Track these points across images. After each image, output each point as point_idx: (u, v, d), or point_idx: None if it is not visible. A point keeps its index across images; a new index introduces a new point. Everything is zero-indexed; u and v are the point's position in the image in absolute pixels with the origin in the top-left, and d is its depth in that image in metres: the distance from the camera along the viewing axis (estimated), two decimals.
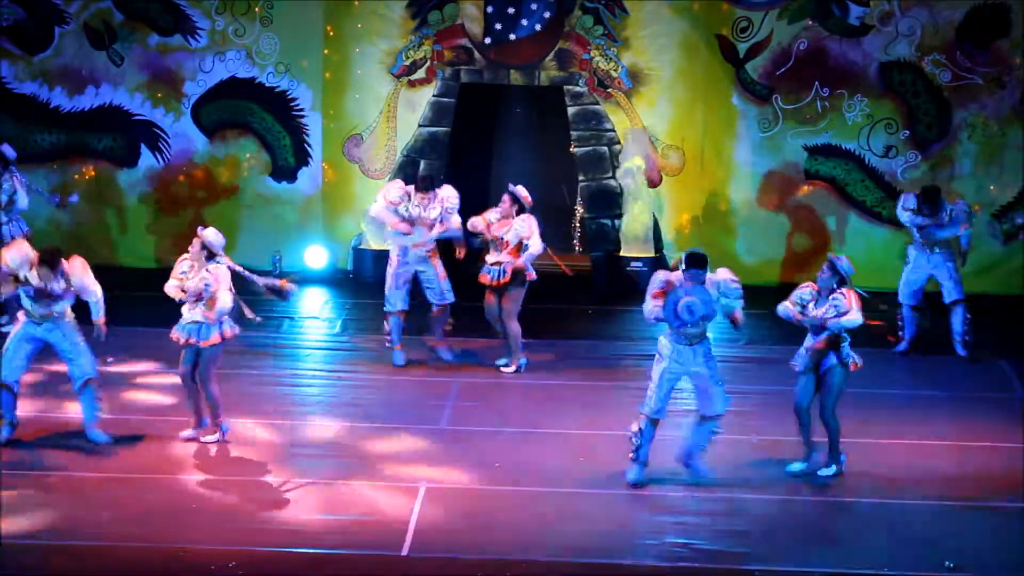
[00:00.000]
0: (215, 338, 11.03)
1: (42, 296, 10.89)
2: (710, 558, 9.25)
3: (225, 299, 10.96)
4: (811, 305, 10.61)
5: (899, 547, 9.47)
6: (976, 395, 12.67)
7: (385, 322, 13.33)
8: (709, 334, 10.49)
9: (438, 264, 13.28)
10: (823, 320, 10.47)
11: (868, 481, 10.57)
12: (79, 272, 11.01)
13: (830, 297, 10.54)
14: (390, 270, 13.35)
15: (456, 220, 13.22)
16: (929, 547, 9.47)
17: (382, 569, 9.04)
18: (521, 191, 13.07)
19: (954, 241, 13.82)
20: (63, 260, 10.97)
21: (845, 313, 10.43)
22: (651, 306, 10.33)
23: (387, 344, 13.32)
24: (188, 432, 11.21)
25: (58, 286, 10.90)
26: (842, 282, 10.59)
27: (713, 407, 10.49)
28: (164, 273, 11.29)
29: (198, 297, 10.97)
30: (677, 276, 10.34)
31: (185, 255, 11.16)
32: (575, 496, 10.22)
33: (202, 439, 11.16)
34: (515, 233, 12.91)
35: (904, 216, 13.79)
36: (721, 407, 10.50)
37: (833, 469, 10.63)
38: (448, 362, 13.31)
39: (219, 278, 10.97)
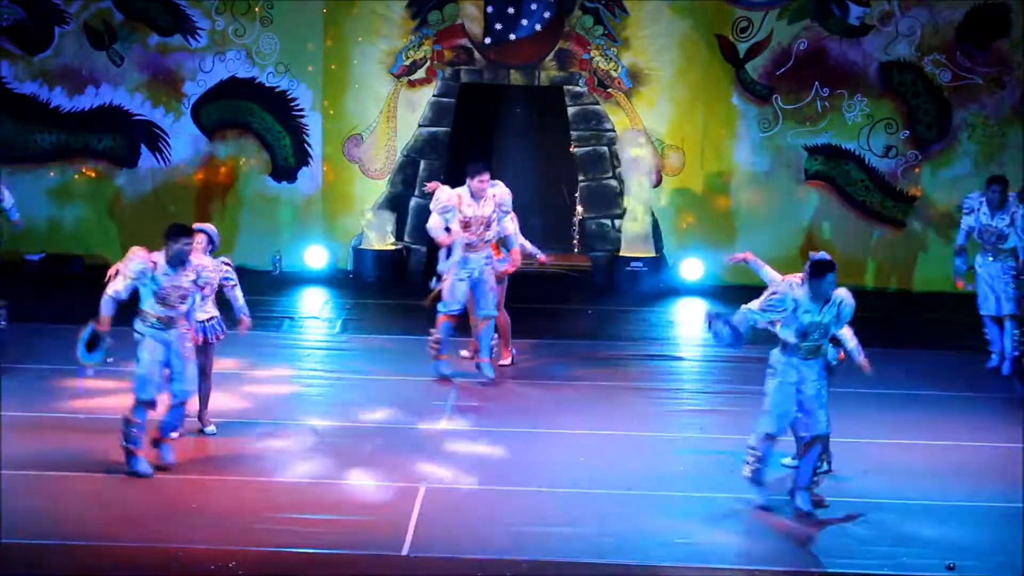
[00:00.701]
0: (222, 333, 11.14)
1: (169, 296, 10.21)
2: (710, 558, 9.25)
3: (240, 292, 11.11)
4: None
5: (899, 547, 9.47)
6: (976, 395, 12.66)
7: (434, 327, 12.65)
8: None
9: (491, 275, 12.55)
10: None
11: (868, 481, 10.56)
12: (211, 268, 10.47)
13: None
14: (447, 279, 12.51)
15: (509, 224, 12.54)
16: (929, 547, 9.47)
17: (382, 569, 9.04)
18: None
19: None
20: (192, 248, 10.25)
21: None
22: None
23: (433, 350, 12.65)
24: (212, 428, 11.22)
25: (186, 280, 10.26)
26: None
27: (815, 426, 9.85)
28: None
29: (209, 290, 11.00)
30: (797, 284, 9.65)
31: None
32: (575, 496, 10.21)
33: (208, 432, 11.23)
34: (495, 231, 12.86)
35: (964, 221, 13.11)
36: (824, 427, 9.87)
37: (825, 466, 10.63)
38: (489, 379, 12.65)
39: (234, 271, 11.09)
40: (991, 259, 13.00)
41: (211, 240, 11.07)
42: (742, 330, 9.73)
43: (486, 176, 12.31)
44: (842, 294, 9.63)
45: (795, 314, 9.55)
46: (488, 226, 12.39)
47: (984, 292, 13.10)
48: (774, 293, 9.61)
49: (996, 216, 12.94)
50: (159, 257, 10.20)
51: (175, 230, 10.21)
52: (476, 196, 12.30)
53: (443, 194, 12.40)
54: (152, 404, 10.36)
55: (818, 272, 9.49)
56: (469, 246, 12.38)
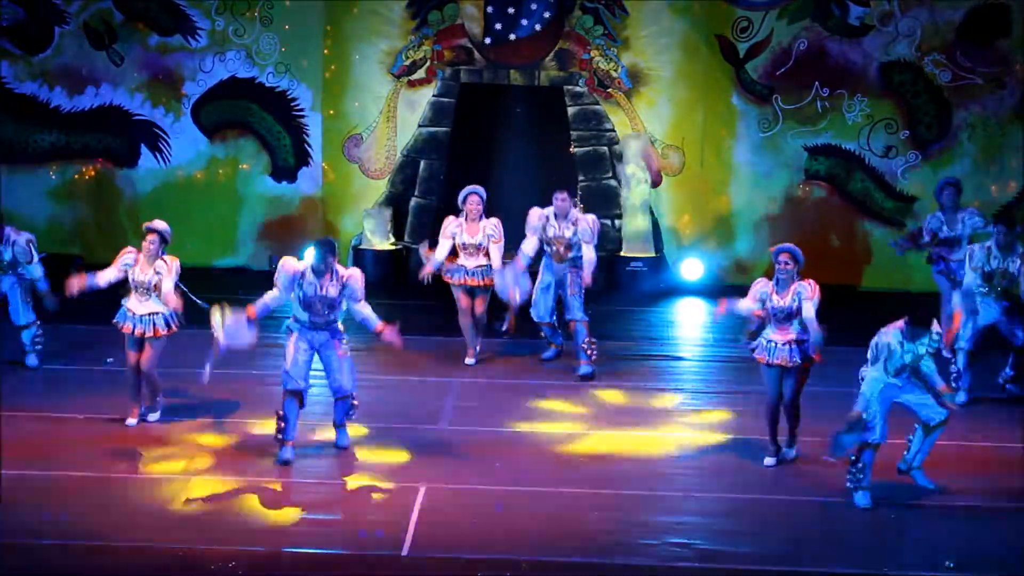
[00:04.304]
0: (165, 330, 11.36)
1: (317, 305, 10.70)
2: (710, 558, 9.24)
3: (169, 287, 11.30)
4: (774, 296, 10.68)
5: (899, 547, 9.47)
6: (975, 395, 12.64)
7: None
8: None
9: (575, 282, 13.01)
10: (792, 310, 10.62)
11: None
12: (358, 284, 10.76)
13: (792, 287, 10.65)
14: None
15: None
16: (929, 547, 9.47)
17: (382, 569, 9.04)
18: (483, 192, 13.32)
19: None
20: (337, 262, 10.74)
21: (810, 299, 10.62)
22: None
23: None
24: (134, 420, 11.41)
25: (333, 291, 10.69)
26: (800, 270, 10.74)
27: (934, 415, 10.23)
28: None
29: (149, 288, 11.29)
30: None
31: (128, 249, 11.45)
32: (575, 496, 10.21)
33: (150, 419, 11.47)
34: (486, 236, 13.09)
35: (971, 277, 12.35)
36: (940, 414, 10.22)
37: (795, 453, 10.90)
38: (585, 375, 12.92)
39: (172, 269, 11.34)
40: (995, 299, 12.39)
41: (164, 239, 11.39)
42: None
43: (563, 194, 13.02)
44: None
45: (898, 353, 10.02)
46: (569, 247, 12.98)
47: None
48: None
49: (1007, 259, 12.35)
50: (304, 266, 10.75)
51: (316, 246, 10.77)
52: (559, 216, 12.99)
53: (534, 214, 13.11)
54: (300, 393, 10.77)
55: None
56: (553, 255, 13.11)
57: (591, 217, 13.09)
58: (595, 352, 12.98)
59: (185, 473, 10.49)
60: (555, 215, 13.00)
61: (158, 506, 9.85)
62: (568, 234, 12.94)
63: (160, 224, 11.42)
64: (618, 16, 16.55)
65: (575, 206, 13.24)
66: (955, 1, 16.25)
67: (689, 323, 15.69)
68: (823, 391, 11.55)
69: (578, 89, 16.68)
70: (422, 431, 11.52)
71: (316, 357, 10.87)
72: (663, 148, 16.70)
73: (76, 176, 17.03)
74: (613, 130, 16.70)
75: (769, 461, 10.84)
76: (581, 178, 16.88)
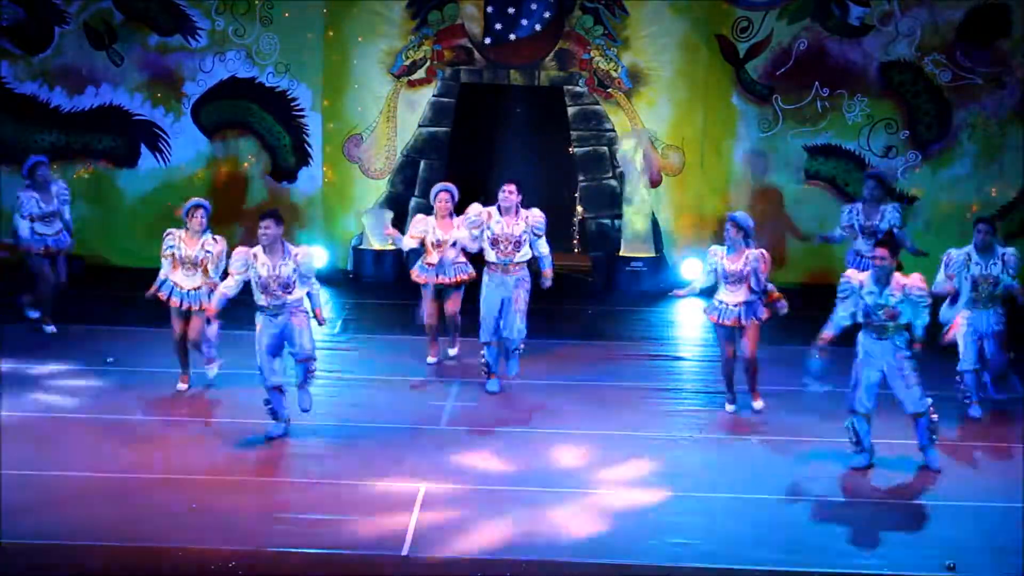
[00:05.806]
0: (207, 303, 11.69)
1: (272, 286, 10.85)
2: (710, 558, 9.25)
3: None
4: (724, 261, 11.54)
5: (899, 547, 9.47)
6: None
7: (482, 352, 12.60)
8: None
9: (522, 298, 12.37)
10: (742, 274, 11.42)
11: (867, 481, 10.58)
12: (310, 261, 11.00)
13: (743, 252, 11.46)
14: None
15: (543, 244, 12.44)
16: (929, 547, 9.47)
17: (382, 569, 9.05)
18: (454, 189, 13.12)
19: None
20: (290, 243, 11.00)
21: (757, 269, 11.38)
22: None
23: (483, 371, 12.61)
24: (184, 386, 12.11)
25: (286, 270, 10.87)
26: (747, 237, 11.50)
27: (907, 406, 10.64)
28: None
29: (196, 263, 11.83)
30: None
31: (167, 232, 12.01)
32: (575, 496, 10.21)
33: (209, 371, 12.19)
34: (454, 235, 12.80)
35: (943, 281, 11.85)
36: (912, 407, 10.60)
37: (761, 404, 11.90)
38: (492, 393, 12.52)
39: (219, 254, 11.90)
40: (983, 308, 11.91)
41: (208, 212, 11.99)
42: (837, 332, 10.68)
43: (511, 187, 12.21)
44: (907, 281, 10.45)
45: (860, 295, 10.46)
46: (518, 246, 12.26)
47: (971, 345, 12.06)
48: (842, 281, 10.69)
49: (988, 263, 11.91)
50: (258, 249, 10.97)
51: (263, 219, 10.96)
52: (504, 211, 12.19)
53: (474, 209, 12.32)
54: (276, 389, 11.09)
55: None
56: (498, 266, 12.26)
57: (536, 210, 12.35)
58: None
59: (185, 473, 10.50)
60: (500, 210, 12.19)
61: (158, 506, 9.86)
62: (517, 231, 12.18)
63: (202, 200, 12.04)
64: (618, 16, 16.55)
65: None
66: (955, 1, 16.25)
67: (689, 323, 15.69)
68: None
69: (578, 89, 16.68)
70: (422, 431, 11.53)
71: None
72: (663, 148, 16.70)
73: (76, 176, 17.02)
74: (613, 130, 16.70)
75: (730, 408, 12.00)
76: (581, 178, 16.89)
